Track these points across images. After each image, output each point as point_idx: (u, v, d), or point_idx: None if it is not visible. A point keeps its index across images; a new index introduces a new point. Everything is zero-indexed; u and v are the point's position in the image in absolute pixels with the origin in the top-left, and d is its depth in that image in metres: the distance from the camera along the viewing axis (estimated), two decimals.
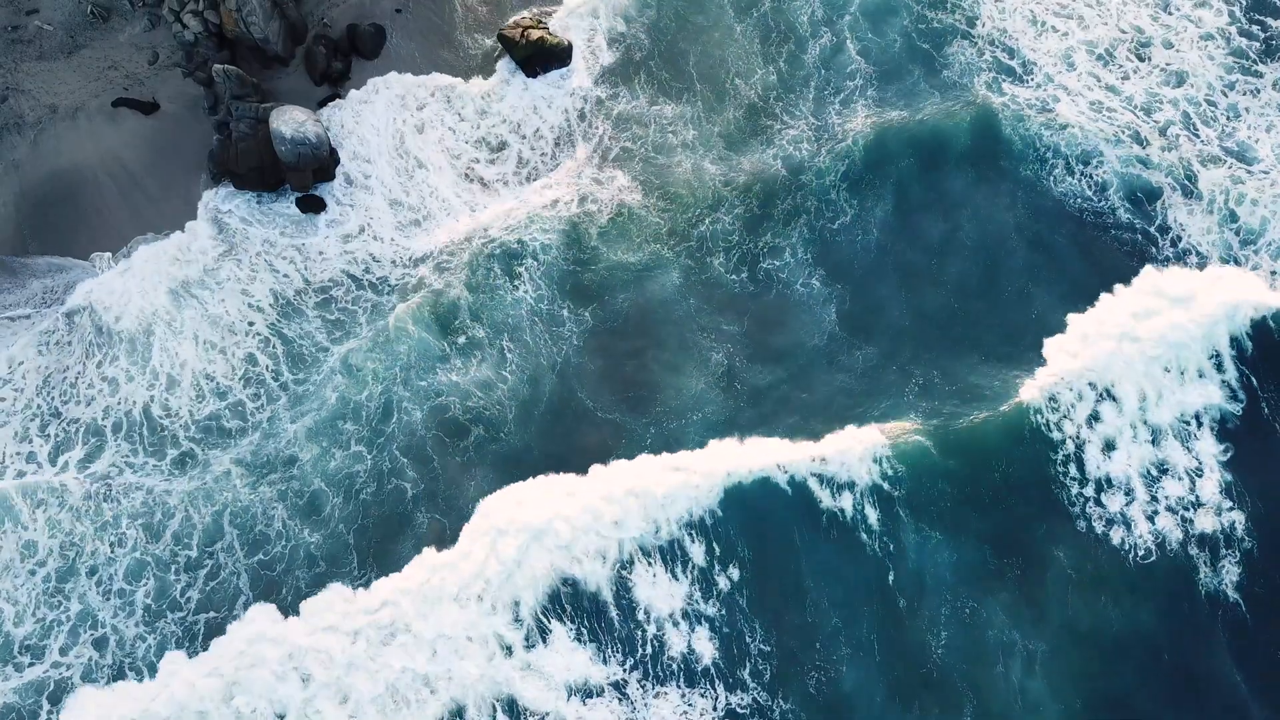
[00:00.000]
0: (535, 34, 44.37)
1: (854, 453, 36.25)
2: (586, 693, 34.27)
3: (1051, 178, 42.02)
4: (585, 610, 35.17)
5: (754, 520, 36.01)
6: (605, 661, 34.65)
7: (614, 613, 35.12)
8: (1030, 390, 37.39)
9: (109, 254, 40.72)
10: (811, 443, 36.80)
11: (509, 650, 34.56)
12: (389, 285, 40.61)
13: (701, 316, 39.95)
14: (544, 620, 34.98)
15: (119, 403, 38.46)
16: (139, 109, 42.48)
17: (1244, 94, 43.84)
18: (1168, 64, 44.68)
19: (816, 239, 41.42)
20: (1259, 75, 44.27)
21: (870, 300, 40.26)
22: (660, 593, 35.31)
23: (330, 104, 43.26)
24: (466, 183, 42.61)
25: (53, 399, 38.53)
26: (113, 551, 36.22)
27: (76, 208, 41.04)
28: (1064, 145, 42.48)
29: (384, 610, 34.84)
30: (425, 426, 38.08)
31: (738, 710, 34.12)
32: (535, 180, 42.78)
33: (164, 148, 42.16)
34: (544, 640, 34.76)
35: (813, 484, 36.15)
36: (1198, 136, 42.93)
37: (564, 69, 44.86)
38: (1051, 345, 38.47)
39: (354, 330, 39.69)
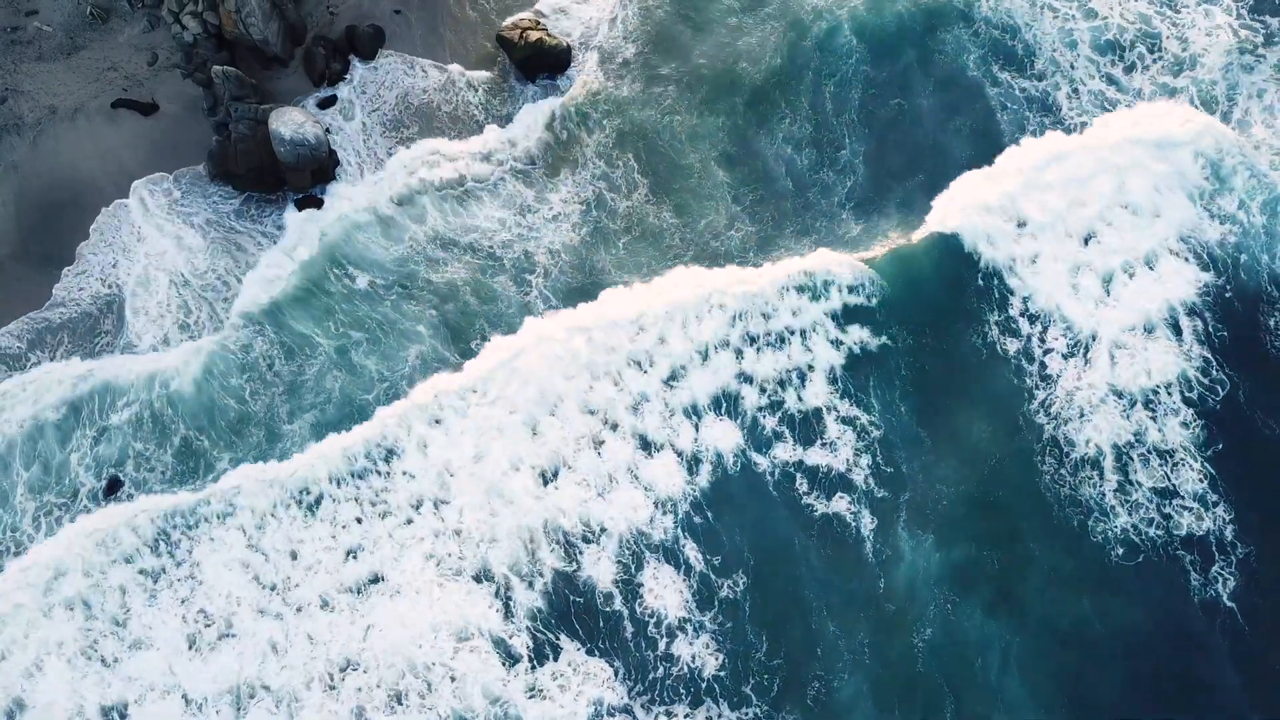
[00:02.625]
0: (534, 35, 44.36)
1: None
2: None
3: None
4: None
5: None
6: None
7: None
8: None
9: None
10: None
11: (513, 658, 34.75)
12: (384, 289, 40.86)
13: None
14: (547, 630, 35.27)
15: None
16: (138, 110, 42.55)
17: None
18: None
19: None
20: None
21: None
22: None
23: (330, 106, 43.32)
24: (460, 184, 42.62)
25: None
26: None
27: (76, 208, 41.06)
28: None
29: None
30: None
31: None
32: (533, 186, 42.81)
33: (163, 149, 42.21)
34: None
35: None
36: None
37: (563, 71, 44.83)
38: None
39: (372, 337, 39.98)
